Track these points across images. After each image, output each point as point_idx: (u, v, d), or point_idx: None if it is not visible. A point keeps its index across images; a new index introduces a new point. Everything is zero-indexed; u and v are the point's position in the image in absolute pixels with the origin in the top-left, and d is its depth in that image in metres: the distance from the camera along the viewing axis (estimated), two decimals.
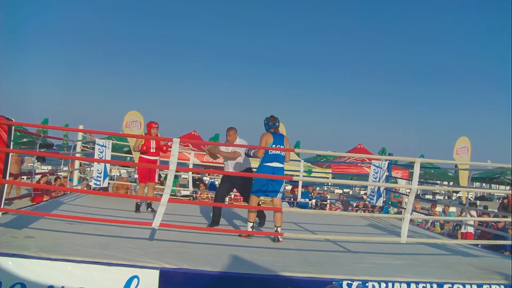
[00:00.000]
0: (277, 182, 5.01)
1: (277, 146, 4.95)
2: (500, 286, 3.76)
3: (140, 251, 3.81)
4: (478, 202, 15.18)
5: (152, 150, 6.54)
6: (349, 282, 3.52)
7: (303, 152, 11.65)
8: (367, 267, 4.00)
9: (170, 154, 4.14)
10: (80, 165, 8.45)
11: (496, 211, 11.98)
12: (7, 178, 4.01)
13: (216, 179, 13.91)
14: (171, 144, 4.14)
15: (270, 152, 4.94)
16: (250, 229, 5.04)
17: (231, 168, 5.66)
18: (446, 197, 24.61)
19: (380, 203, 7.50)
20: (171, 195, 5.07)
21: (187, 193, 12.04)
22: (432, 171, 19.33)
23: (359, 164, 14.29)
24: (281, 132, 5.15)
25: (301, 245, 4.79)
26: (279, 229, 4.90)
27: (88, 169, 9.43)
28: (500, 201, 14.36)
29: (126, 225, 4.51)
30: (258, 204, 5.38)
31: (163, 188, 5.87)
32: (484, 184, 20.19)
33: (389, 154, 9.82)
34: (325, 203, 13.44)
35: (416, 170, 4.53)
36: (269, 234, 4.97)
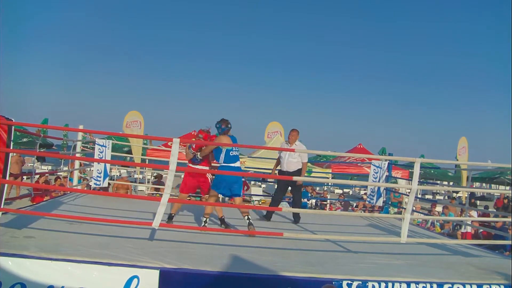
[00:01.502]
0: (238, 185, 5.29)
1: (234, 148, 5.29)
2: (500, 286, 3.76)
3: (140, 251, 3.81)
4: (478, 202, 15.19)
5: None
6: (349, 282, 3.52)
7: (303, 152, 11.61)
8: (367, 267, 4.00)
9: (170, 154, 4.14)
10: (80, 165, 8.45)
11: (495, 211, 11.99)
12: (7, 178, 4.01)
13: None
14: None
15: (231, 153, 5.23)
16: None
17: (284, 167, 6.55)
18: (446, 197, 24.60)
19: (380, 203, 7.50)
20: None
21: None
22: (432, 171, 19.36)
23: (359, 164, 14.27)
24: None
25: (301, 245, 4.79)
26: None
27: (88, 169, 9.43)
28: (499, 203, 14.37)
29: (126, 225, 4.51)
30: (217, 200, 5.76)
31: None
32: (484, 184, 20.21)
33: (389, 154, 9.82)
34: (325, 203, 13.44)
35: (416, 170, 4.53)
36: (267, 234, 4.96)
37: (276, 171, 6.91)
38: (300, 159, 6.53)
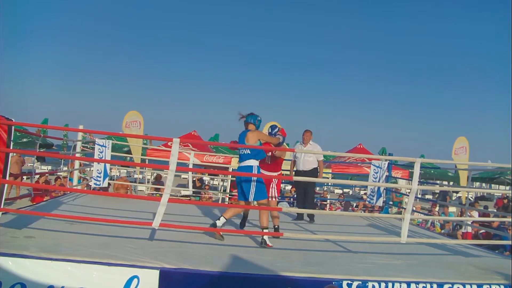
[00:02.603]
0: (245, 185, 4.68)
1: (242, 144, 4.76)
2: (500, 286, 3.76)
3: (140, 251, 3.81)
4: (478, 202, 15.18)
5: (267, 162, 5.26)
6: (349, 282, 3.52)
7: (303, 153, 11.62)
8: (367, 267, 4.00)
9: (170, 154, 4.14)
10: (80, 165, 8.45)
11: (495, 211, 12.00)
12: (7, 178, 4.01)
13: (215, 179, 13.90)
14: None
15: (240, 152, 4.79)
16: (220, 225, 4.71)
17: (300, 167, 6.77)
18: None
19: (380, 203, 7.50)
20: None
21: (187, 193, 12.04)
22: (432, 171, 19.34)
23: (359, 164, 14.27)
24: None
25: (301, 245, 4.79)
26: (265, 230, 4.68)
27: (88, 169, 9.43)
28: (499, 203, 14.38)
29: (126, 225, 4.51)
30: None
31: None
32: (484, 184, 20.20)
33: (389, 154, 9.82)
34: (325, 203, 13.43)
35: (416, 170, 4.53)
36: (268, 234, 4.95)
37: (293, 172, 7.05)
38: (316, 158, 6.79)
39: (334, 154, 12.23)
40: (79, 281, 3.26)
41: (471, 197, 15.84)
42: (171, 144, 4.10)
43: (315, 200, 7.99)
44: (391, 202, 8.69)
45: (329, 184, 14.27)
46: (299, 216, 6.73)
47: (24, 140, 15.24)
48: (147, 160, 13.84)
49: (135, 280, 3.31)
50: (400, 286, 3.59)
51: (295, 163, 6.94)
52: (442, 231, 10.53)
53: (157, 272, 3.37)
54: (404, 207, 7.41)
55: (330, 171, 14.00)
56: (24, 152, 14.48)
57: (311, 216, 6.78)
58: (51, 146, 18.27)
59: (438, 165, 15.83)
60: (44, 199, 7.26)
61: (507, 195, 14.02)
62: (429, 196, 22.69)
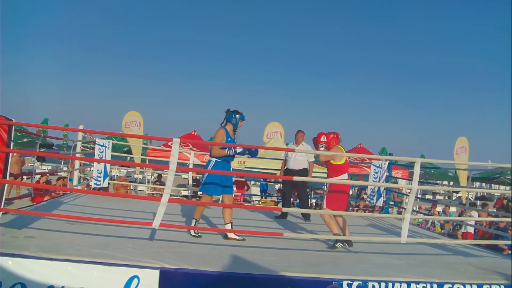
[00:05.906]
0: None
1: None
2: (500, 286, 3.76)
3: (140, 251, 3.82)
4: (478, 202, 15.20)
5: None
6: (349, 282, 3.52)
7: (303, 153, 11.61)
8: (367, 267, 4.00)
9: (170, 154, 4.14)
10: (80, 165, 8.45)
11: (495, 211, 12.00)
12: (7, 178, 4.01)
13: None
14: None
15: None
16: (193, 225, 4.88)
17: (290, 165, 6.81)
18: (446, 197, 24.62)
19: (380, 203, 7.51)
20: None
21: (187, 193, 12.03)
22: (432, 171, 19.33)
23: (359, 164, 14.26)
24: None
25: (301, 245, 4.79)
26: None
27: (88, 169, 9.43)
28: (499, 203, 14.37)
29: (126, 225, 4.51)
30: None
31: None
32: (484, 184, 20.20)
33: (389, 154, 9.82)
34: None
35: (416, 170, 4.52)
36: (268, 234, 4.96)
37: (283, 171, 7.11)
38: (306, 158, 6.83)
39: (334, 154, 12.22)
40: (79, 281, 3.26)
41: (471, 197, 15.85)
42: (171, 144, 4.09)
43: (309, 199, 8.10)
44: (391, 202, 8.69)
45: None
46: (283, 215, 6.74)
47: (24, 140, 15.24)
48: (147, 160, 13.83)
49: (135, 280, 3.31)
50: (400, 286, 3.59)
51: (286, 162, 6.97)
52: (442, 231, 10.54)
53: (157, 272, 3.37)
54: (404, 207, 7.41)
55: None
56: (24, 152, 14.49)
57: (306, 216, 6.82)
58: (51, 146, 18.26)
59: (438, 165, 15.82)
60: (44, 199, 7.26)
61: (507, 195, 14.02)
62: (429, 196, 22.72)
